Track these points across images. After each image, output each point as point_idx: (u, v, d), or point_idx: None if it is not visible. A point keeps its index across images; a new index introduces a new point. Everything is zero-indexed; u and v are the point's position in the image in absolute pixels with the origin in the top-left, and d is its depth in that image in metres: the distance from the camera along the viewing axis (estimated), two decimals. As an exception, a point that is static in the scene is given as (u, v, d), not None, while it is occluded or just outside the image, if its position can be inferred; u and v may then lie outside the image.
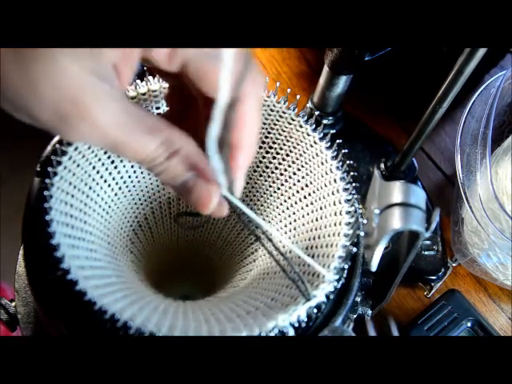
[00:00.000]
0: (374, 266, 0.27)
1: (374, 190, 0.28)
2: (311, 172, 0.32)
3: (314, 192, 0.32)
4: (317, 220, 0.31)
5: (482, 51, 0.33)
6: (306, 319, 0.26)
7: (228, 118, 0.22)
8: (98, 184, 0.31)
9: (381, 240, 0.25)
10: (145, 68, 0.27)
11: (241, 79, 0.21)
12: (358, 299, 0.33)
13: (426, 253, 0.48)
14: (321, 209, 0.31)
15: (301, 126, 0.33)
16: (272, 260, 0.33)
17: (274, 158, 0.34)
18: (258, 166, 0.35)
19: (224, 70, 0.20)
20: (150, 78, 0.30)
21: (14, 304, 0.35)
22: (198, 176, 0.24)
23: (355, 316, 0.32)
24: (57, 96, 0.20)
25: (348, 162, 0.31)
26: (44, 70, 0.19)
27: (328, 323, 0.28)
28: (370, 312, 0.33)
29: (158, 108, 0.32)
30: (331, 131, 0.32)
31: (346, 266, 0.28)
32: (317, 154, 0.32)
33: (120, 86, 0.22)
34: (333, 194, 0.31)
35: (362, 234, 0.30)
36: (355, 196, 0.30)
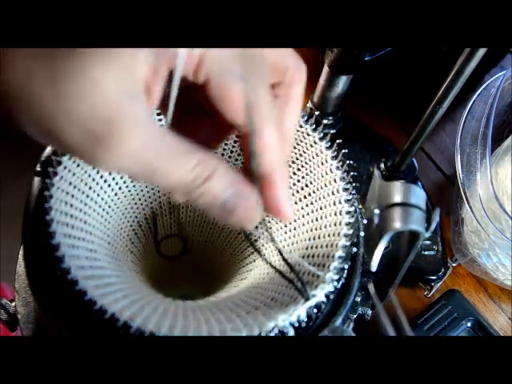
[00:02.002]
0: (374, 266, 0.27)
1: (374, 190, 0.28)
2: (311, 172, 0.32)
3: (313, 192, 0.32)
4: (317, 220, 0.31)
5: (481, 51, 0.33)
6: (306, 319, 0.26)
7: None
8: (98, 184, 0.31)
9: (381, 240, 0.25)
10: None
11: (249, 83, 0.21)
12: (358, 299, 0.33)
13: (426, 253, 0.48)
14: (321, 209, 0.31)
15: (301, 126, 0.33)
16: (272, 260, 0.33)
17: (274, 158, 0.34)
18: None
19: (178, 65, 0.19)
20: None
21: (13, 304, 0.35)
22: (238, 194, 0.23)
23: (355, 316, 0.32)
24: (91, 115, 0.19)
25: (348, 162, 0.31)
26: (79, 89, 0.18)
27: (328, 323, 0.28)
28: (369, 312, 0.33)
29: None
30: (331, 131, 0.32)
31: (346, 267, 0.28)
32: (317, 154, 0.32)
33: (149, 107, 0.21)
34: (333, 193, 0.31)
35: (362, 234, 0.29)
36: (355, 196, 0.30)
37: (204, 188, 0.22)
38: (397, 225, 0.25)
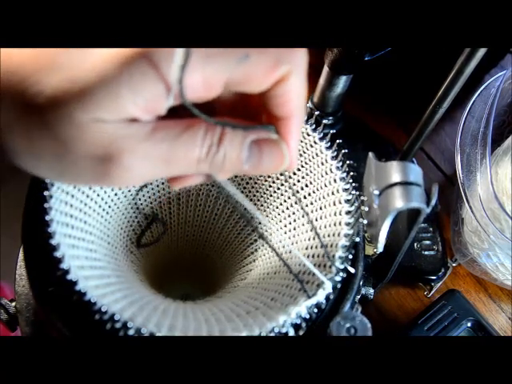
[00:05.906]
0: (380, 247, 0.27)
1: (371, 172, 0.28)
2: (311, 172, 0.32)
3: (313, 192, 0.32)
4: (316, 220, 0.31)
5: (481, 51, 0.33)
6: (307, 316, 0.26)
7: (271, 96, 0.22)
8: (97, 184, 0.31)
9: (385, 220, 0.25)
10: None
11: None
12: (361, 282, 0.32)
13: (426, 253, 0.48)
14: (320, 209, 0.31)
15: (301, 126, 0.33)
16: (272, 260, 0.33)
17: (274, 158, 0.34)
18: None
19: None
20: None
21: (13, 304, 0.35)
22: (256, 142, 0.23)
23: (359, 297, 0.32)
24: (92, 149, 0.20)
25: (348, 162, 0.31)
26: (71, 135, 0.19)
27: (337, 311, 0.28)
28: (372, 291, 0.33)
29: None
30: (331, 131, 0.32)
31: (346, 267, 0.28)
32: (317, 154, 0.32)
33: (153, 118, 0.21)
34: (333, 194, 0.31)
35: (360, 235, 0.29)
36: (355, 196, 0.30)
37: (222, 153, 0.22)
38: (398, 203, 0.25)
